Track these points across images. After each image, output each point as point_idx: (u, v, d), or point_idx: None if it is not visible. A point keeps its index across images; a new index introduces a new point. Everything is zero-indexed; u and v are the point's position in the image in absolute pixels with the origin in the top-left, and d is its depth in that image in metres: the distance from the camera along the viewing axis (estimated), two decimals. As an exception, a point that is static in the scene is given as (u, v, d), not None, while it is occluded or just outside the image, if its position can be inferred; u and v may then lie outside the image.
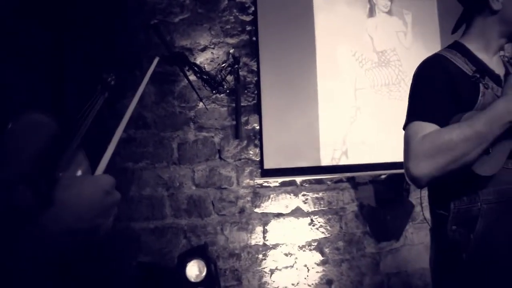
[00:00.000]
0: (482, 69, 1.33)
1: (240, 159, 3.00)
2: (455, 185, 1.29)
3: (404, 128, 1.34)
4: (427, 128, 1.26)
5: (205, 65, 2.86)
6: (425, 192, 3.43)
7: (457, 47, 1.41)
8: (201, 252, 2.80)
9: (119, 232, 2.63)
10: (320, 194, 3.17)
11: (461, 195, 1.29)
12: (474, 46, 1.39)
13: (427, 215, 3.40)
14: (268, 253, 3.01)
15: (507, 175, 1.26)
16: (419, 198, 3.43)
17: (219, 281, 2.89)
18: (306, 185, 3.14)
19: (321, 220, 3.15)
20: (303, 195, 3.13)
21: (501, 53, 1.44)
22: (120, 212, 2.62)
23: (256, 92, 3.00)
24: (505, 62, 1.48)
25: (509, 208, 1.25)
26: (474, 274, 1.25)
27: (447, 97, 1.30)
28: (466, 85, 1.31)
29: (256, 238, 3.00)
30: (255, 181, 3.01)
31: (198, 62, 2.82)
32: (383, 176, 3.30)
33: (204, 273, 2.70)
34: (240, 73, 2.93)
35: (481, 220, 1.25)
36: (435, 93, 1.31)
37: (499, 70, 1.40)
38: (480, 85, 1.29)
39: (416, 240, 3.39)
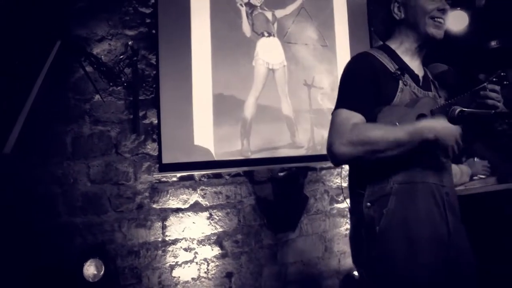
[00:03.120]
0: (403, 67, 1.74)
1: (137, 154, 3.27)
2: (372, 166, 1.61)
3: (333, 113, 1.67)
4: (353, 116, 1.59)
5: (102, 56, 3.08)
6: (318, 185, 4.03)
7: (384, 48, 1.80)
8: (98, 251, 3.02)
9: (8, 233, 2.77)
10: (219, 188, 3.57)
11: (376, 176, 1.61)
12: (398, 49, 1.80)
13: (320, 206, 4.00)
14: (167, 249, 3.32)
15: (418, 160, 1.63)
16: (313, 191, 4.03)
17: (119, 279, 3.15)
18: (205, 180, 3.52)
19: (219, 214, 3.55)
20: (202, 189, 3.50)
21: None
22: (9, 211, 2.78)
23: (154, 86, 3.28)
24: (425, 68, 1.90)
25: (415, 188, 1.60)
26: (385, 244, 1.56)
27: (371, 89, 1.63)
28: (388, 80, 1.66)
29: (155, 234, 3.28)
30: (153, 176, 3.29)
31: (95, 53, 3.03)
32: (281, 174, 3.83)
33: (102, 273, 2.93)
34: (139, 66, 3.20)
35: (392, 197, 1.58)
36: (361, 85, 1.64)
37: (419, 72, 1.82)
38: (400, 81, 1.67)
39: (311, 231, 3.96)
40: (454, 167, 2.57)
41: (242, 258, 3.59)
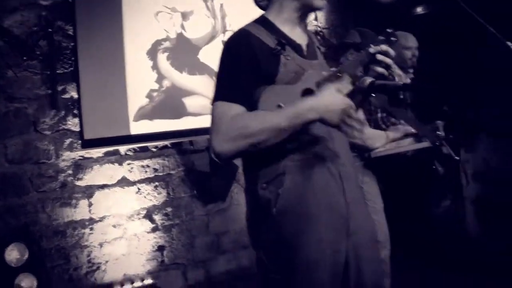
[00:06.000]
0: (284, 41, 1.65)
1: (58, 131, 3.26)
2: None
3: (212, 105, 1.61)
4: (232, 109, 1.55)
5: (14, 29, 3.02)
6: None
7: (262, 21, 1.72)
8: (21, 234, 3.05)
9: None
10: (145, 162, 3.66)
11: (268, 154, 1.58)
12: (277, 20, 1.71)
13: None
14: (95, 227, 3.36)
15: (307, 135, 1.63)
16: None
17: (45, 261, 3.20)
18: (131, 154, 3.57)
19: (148, 188, 3.64)
20: (128, 164, 3.55)
21: (314, 22, 1.90)
22: None
23: (73, 58, 3.26)
24: (310, 32, 1.90)
25: (310, 163, 1.60)
26: (283, 226, 1.57)
27: (250, 76, 1.58)
28: (268, 58, 1.60)
29: (81, 213, 3.32)
30: (76, 152, 3.32)
31: (5, 25, 2.97)
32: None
33: (26, 256, 2.96)
34: (55, 38, 3.16)
35: (287, 176, 1.57)
36: (240, 73, 1.59)
37: (302, 40, 1.78)
38: (281, 56, 1.62)
39: (242, 200, 4.12)
40: (381, 133, 2.82)
41: (173, 230, 3.72)
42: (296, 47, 1.71)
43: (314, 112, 1.50)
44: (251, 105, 1.59)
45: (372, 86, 1.57)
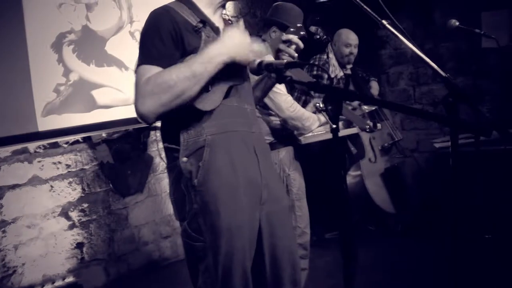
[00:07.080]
0: (205, 20, 1.78)
1: (-41, 132, 3.17)
2: (183, 120, 1.70)
3: (135, 71, 1.70)
4: (152, 70, 1.63)
5: None
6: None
7: (184, 1, 1.83)
8: None
9: None
10: (57, 158, 3.60)
11: (188, 129, 1.70)
12: (200, 2, 1.84)
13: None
14: (7, 229, 3.27)
15: (227, 111, 1.74)
16: (157, 150, 4.24)
17: (-47, 271, 3.11)
18: (40, 151, 3.50)
19: (61, 185, 3.58)
20: (39, 161, 3.49)
21: (224, 11, 2.06)
22: None
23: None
24: (225, 19, 2.03)
25: (228, 137, 1.74)
26: (204, 195, 1.68)
27: (171, 43, 1.68)
28: (190, 33, 1.72)
29: (-9, 215, 3.27)
30: (-20, 153, 3.25)
31: None
32: (116, 135, 3.94)
33: None
34: None
35: (206, 149, 1.69)
36: (161, 39, 1.68)
37: (219, 24, 1.92)
38: (202, 33, 1.74)
39: (159, 190, 4.19)
40: (315, 116, 2.95)
41: (91, 226, 3.71)
42: (215, 30, 1.84)
43: (223, 55, 1.66)
44: None
45: (260, 66, 1.71)
